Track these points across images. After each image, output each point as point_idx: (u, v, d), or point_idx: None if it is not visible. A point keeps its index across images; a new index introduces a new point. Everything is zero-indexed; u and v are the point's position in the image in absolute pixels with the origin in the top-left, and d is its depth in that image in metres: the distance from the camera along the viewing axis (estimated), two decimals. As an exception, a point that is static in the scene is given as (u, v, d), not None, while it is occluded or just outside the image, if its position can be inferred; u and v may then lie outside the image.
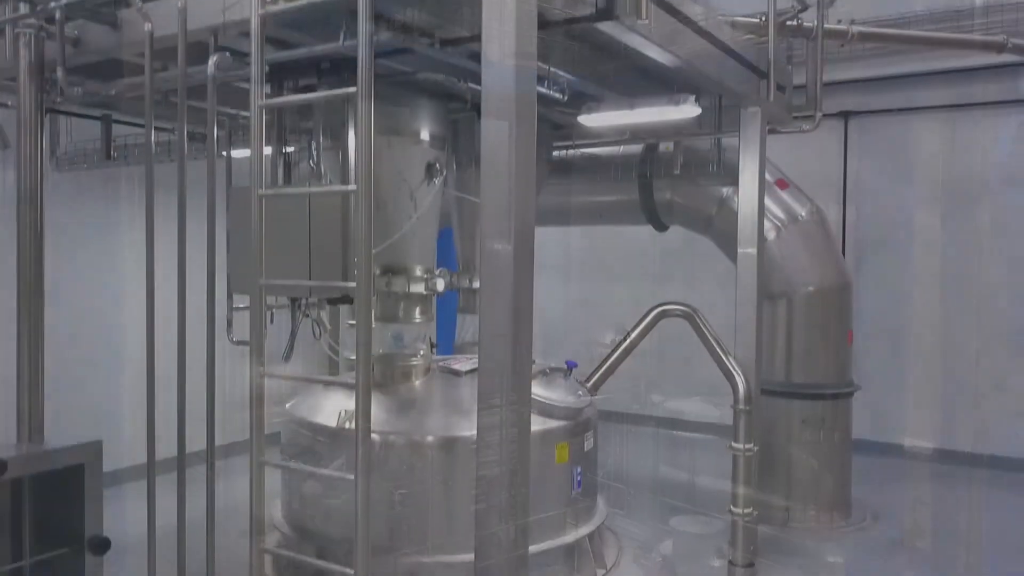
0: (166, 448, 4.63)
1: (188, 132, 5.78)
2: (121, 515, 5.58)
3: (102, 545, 3.66)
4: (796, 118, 6.59)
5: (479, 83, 3.36)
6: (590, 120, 5.51)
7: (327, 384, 5.41)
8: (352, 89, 3.14)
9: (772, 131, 6.57)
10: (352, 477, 3.15)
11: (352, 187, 3.09)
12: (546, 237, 10.60)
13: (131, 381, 7.65)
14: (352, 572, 3.17)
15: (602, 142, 7.45)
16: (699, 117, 6.87)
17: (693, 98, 5.10)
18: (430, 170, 5.54)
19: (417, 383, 5.81)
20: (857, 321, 7.28)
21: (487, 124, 3.11)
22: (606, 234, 11.35)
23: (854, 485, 7.21)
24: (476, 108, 5.55)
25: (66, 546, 3.62)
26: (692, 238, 10.17)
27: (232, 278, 5.21)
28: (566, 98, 5.08)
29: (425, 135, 5.53)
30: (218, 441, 4.99)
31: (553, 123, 7.08)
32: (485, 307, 3.24)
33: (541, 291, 9.05)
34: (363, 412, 3.10)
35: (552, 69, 4.91)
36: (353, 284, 3.09)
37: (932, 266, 9.38)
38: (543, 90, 4.84)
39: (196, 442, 4.52)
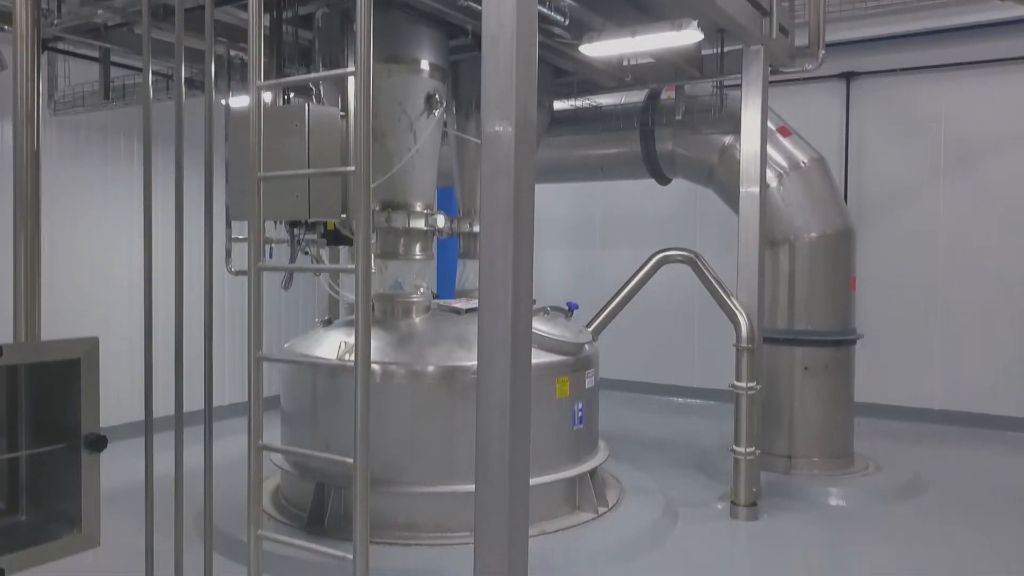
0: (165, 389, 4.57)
1: (186, 78, 5.76)
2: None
3: (99, 442, 3.61)
4: (798, 58, 6.54)
5: (479, 1, 3.30)
6: (592, 49, 5.46)
7: (321, 271, 5.19)
8: (351, -31, 3.09)
9: (775, 72, 6.54)
10: (352, 359, 3.11)
11: (351, 69, 3.04)
12: (546, 209, 10.64)
13: (128, 318, 7.63)
14: (351, 460, 3.12)
15: (604, 87, 7.39)
16: (701, 60, 6.87)
17: (695, 23, 5.05)
18: (430, 101, 5.50)
19: (417, 319, 5.78)
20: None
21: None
22: (605, 202, 11.33)
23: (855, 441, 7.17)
24: (477, 41, 5.51)
25: (62, 442, 3.57)
26: (691, 200, 10.23)
27: (231, 207, 5.16)
28: (567, 21, 5.03)
29: (425, 65, 5.49)
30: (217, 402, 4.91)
31: (555, 69, 7.05)
32: (486, 195, 3.20)
33: (541, 259, 8.89)
34: (363, 341, 3.04)
35: (553, -10, 4.87)
36: (352, 168, 3.04)
37: (932, 226, 9.33)
38: (544, 10, 4.79)
39: (194, 378, 4.45)
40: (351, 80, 5.20)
